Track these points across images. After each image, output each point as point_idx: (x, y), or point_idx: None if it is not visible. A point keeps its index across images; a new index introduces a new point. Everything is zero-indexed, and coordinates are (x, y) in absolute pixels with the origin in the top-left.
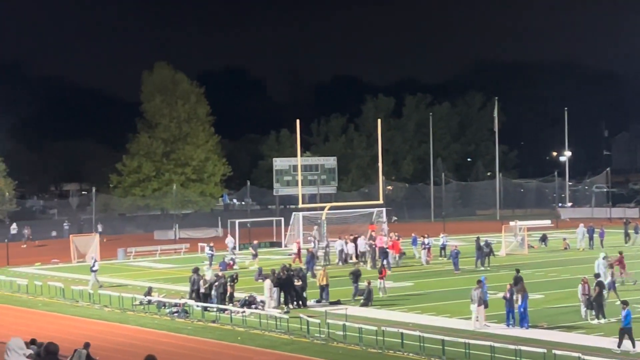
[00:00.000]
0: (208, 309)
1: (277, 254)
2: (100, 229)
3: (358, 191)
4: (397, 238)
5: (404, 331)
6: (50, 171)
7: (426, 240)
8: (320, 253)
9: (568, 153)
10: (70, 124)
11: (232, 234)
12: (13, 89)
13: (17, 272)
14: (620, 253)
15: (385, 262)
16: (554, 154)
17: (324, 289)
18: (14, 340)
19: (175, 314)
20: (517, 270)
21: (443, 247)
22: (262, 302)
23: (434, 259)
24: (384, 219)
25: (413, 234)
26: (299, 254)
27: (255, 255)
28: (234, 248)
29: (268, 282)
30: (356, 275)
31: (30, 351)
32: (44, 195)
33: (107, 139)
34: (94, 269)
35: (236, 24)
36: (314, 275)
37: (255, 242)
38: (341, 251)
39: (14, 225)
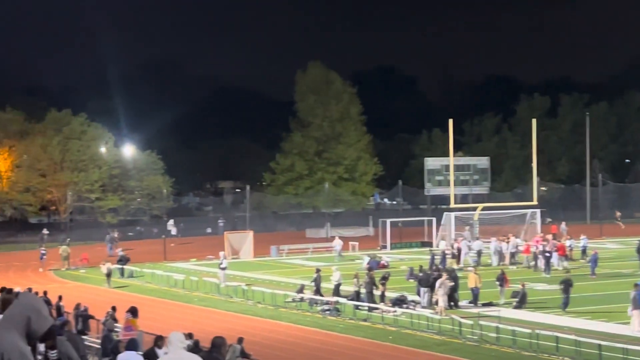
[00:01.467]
0: (359, 307)
1: (429, 254)
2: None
3: (511, 192)
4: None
5: (559, 335)
6: (205, 169)
7: (567, 242)
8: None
9: None
10: (225, 122)
11: (383, 234)
12: (170, 88)
13: (174, 267)
14: None
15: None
16: None
17: (474, 291)
18: (174, 334)
19: (327, 312)
20: None
21: (584, 250)
22: (413, 301)
23: (574, 263)
24: (538, 220)
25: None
26: (459, 254)
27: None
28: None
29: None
30: (567, 285)
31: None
32: (200, 193)
33: (261, 138)
34: (222, 266)
35: (388, 23)
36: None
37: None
38: (499, 252)
39: (171, 222)
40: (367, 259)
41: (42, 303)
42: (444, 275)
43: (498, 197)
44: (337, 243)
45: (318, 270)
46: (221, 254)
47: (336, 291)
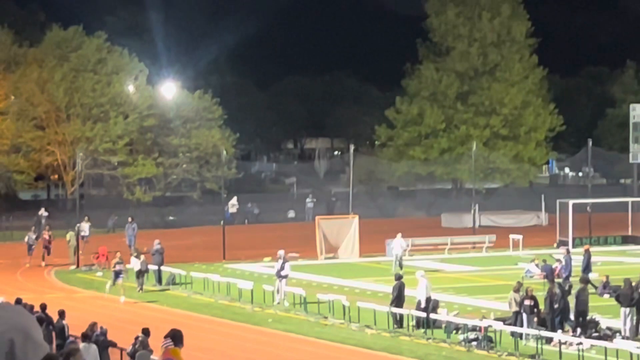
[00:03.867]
0: (523, 336)
1: (635, 255)
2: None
3: None
4: None
5: None
6: (286, 120)
7: None
8: None
9: None
10: (314, 49)
11: (562, 223)
12: None
13: (238, 270)
14: None
15: None
16: None
17: None
18: None
19: (474, 343)
20: None
21: None
22: (610, 328)
23: None
24: None
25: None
26: None
27: None
28: None
29: None
30: None
31: None
32: (278, 156)
33: (373, 73)
34: (282, 273)
35: None
36: None
37: None
38: None
39: (234, 201)
40: (530, 266)
41: (33, 321)
42: None
43: None
44: (398, 244)
45: (400, 278)
46: (280, 252)
47: (424, 310)
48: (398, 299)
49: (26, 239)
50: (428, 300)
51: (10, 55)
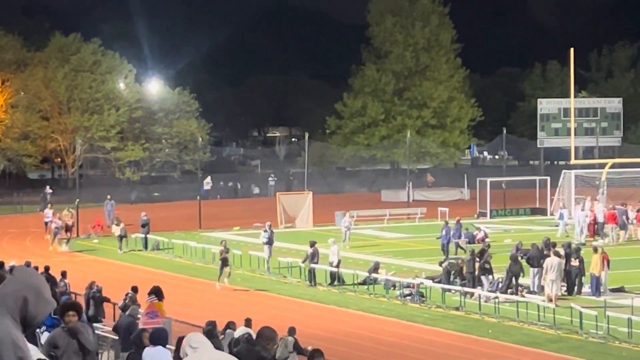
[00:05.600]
0: (450, 292)
1: (541, 224)
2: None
3: None
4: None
5: None
6: (252, 112)
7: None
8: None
9: None
10: (277, 52)
11: (481, 198)
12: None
13: (212, 237)
14: None
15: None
16: None
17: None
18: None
19: (408, 297)
20: None
21: None
22: (521, 285)
23: None
24: None
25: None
26: (593, 226)
27: None
28: None
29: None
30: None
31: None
32: (245, 142)
33: (324, 72)
34: (265, 240)
35: None
36: None
37: None
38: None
39: (208, 179)
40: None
41: (43, 281)
42: (552, 254)
43: (633, 151)
44: (346, 220)
45: (313, 244)
46: (267, 224)
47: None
48: (312, 259)
49: (46, 219)
50: (339, 262)
51: (19, 57)
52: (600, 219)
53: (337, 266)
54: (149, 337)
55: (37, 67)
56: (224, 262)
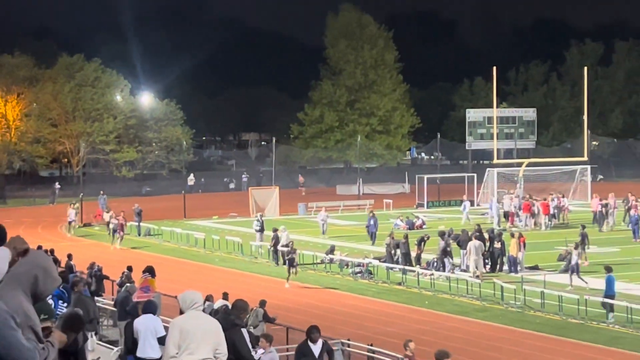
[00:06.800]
0: (393, 270)
1: (469, 213)
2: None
3: (559, 146)
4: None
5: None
6: (228, 120)
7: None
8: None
9: None
10: (249, 69)
11: (419, 191)
12: (190, 32)
13: (194, 225)
14: None
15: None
16: None
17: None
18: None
19: (359, 274)
20: None
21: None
22: (453, 264)
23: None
24: (588, 177)
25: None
26: (512, 216)
27: None
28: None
29: (475, 243)
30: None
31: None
32: (222, 145)
33: (288, 86)
34: (257, 228)
35: None
36: None
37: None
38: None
39: (191, 176)
40: (397, 221)
41: (51, 262)
42: (474, 238)
43: (545, 152)
44: (322, 215)
45: (275, 230)
46: (259, 214)
47: (278, 253)
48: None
49: (72, 212)
50: (289, 244)
51: (32, 74)
52: (513, 210)
53: (288, 246)
54: (142, 308)
55: (47, 82)
56: (291, 263)
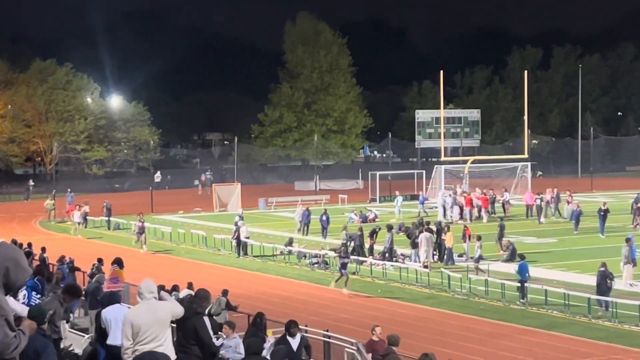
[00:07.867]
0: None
1: (416, 207)
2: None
3: (502, 145)
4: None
5: (548, 288)
6: (192, 121)
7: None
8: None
9: None
10: (212, 73)
11: (372, 187)
12: (156, 38)
13: (161, 219)
14: None
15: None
16: None
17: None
18: (146, 283)
19: (316, 265)
20: None
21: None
22: (403, 255)
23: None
24: (528, 174)
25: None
26: (461, 209)
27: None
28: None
29: (426, 235)
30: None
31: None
32: (187, 145)
33: (249, 89)
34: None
35: None
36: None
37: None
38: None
39: (158, 174)
40: (351, 215)
41: (21, 254)
42: (424, 230)
43: (489, 150)
44: (299, 211)
45: (236, 223)
46: (239, 210)
47: (243, 246)
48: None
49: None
50: (247, 236)
51: (7, 78)
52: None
53: (247, 238)
54: (108, 297)
55: (21, 85)
56: (343, 266)
